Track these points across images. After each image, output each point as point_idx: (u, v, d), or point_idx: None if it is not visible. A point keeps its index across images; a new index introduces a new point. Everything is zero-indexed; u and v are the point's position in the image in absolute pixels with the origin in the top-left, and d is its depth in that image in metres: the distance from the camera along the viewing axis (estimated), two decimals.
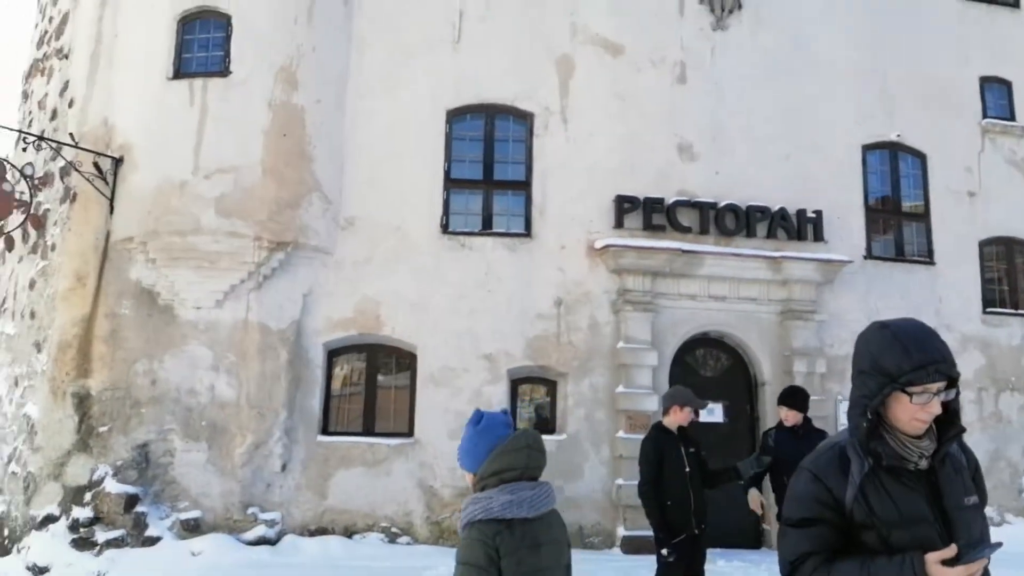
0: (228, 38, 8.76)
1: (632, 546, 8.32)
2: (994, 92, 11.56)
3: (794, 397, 5.76)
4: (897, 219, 10.73)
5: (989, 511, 9.89)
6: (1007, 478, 10.30)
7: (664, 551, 5.08)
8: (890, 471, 1.83)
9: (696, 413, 5.51)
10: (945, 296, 10.48)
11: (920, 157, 10.88)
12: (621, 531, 8.57)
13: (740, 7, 10.35)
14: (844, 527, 1.83)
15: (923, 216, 10.75)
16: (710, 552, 8.33)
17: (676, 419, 5.34)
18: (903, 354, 1.80)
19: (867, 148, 10.60)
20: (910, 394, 1.79)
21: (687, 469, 5.19)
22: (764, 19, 10.46)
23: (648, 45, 10.06)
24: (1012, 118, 11.43)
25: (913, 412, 1.81)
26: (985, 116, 11.31)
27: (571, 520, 8.73)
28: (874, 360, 1.84)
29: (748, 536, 8.79)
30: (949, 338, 10.24)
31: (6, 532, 8.80)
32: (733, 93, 10.18)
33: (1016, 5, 11.97)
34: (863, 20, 10.93)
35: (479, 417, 2.55)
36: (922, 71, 11.06)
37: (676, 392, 5.55)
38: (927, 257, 10.61)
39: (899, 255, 10.56)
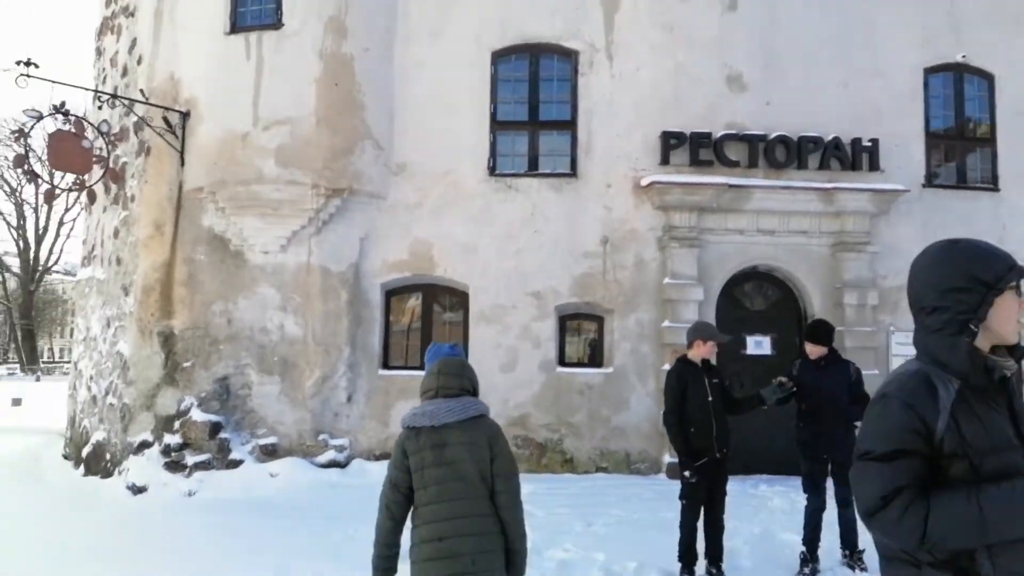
0: None
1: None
2: None
3: (816, 331, 5.87)
4: (961, 145, 10.33)
5: None
6: None
7: (687, 473, 5.41)
8: (976, 394, 1.79)
9: (719, 345, 5.71)
10: (1009, 224, 10.12)
11: (987, 78, 10.36)
12: (666, 458, 8.92)
13: None
14: (933, 459, 1.74)
15: (989, 141, 10.31)
16: (753, 478, 8.69)
17: (699, 352, 5.57)
18: (994, 259, 1.81)
19: (929, 71, 10.16)
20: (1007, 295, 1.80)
21: (709, 398, 5.45)
22: None
23: None
24: None
25: (1016, 313, 1.81)
26: None
27: (619, 448, 9.19)
28: (968, 273, 1.79)
29: (789, 465, 9.00)
30: None
31: (108, 457, 9.86)
32: (787, 17, 9.87)
33: None
34: None
35: (431, 348, 3.40)
36: None
37: (698, 326, 5.76)
38: (991, 184, 10.23)
39: (961, 182, 10.22)
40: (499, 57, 9.72)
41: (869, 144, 9.66)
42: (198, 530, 7.09)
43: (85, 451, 10.27)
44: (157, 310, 9.46)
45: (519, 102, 9.77)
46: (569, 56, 9.76)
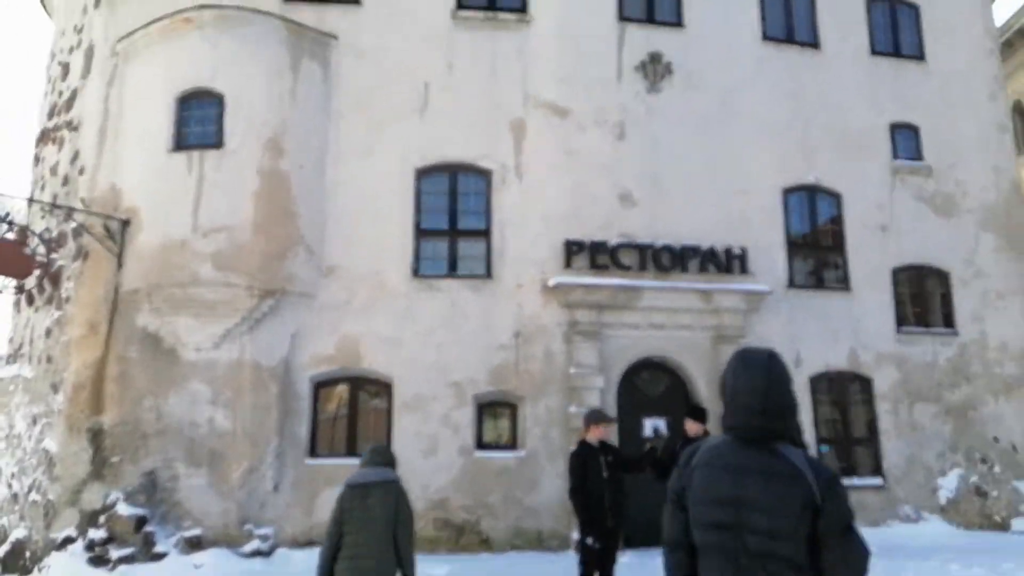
0: (222, 114, 10.07)
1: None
2: (904, 136, 13.04)
3: (697, 412, 7.03)
4: (817, 252, 12.13)
5: (908, 509, 11.16)
6: (922, 479, 11.56)
7: (589, 540, 6.30)
8: None
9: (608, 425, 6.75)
10: (862, 319, 11.84)
11: (836, 197, 12.32)
12: (574, 535, 9.70)
13: (671, 72, 11.82)
14: None
15: (840, 249, 12.15)
16: (652, 551, 9.55)
17: (595, 434, 6.57)
18: None
19: (788, 191, 12.03)
20: None
21: (604, 475, 6.40)
22: (693, 82, 11.92)
23: (591, 107, 11.49)
24: (920, 159, 12.91)
25: None
26: (896, 158, 12.78)
27: (531, 526, 9.95)
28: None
29: None
30: (867, 356, 11.64)
31: (27, 554, 9.85)
32: (667, 147, 11.60)
33: (922, 57, 13.49)
34: (783, 79, 12.44)
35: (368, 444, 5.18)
36: (838, 121, 12.56)
37: (591, 413, 6.80)
38: (844, 285, 11.99)
39: (819, 284, 11.94)
40: (422, 174, 10.96)
41: (739, 252, 11.28)
42: None
43: (2, 550, 10.19)
44: (87, 407, 9.79)
45: (440, 213, 10.96)
46: (484, 174, 11.10)
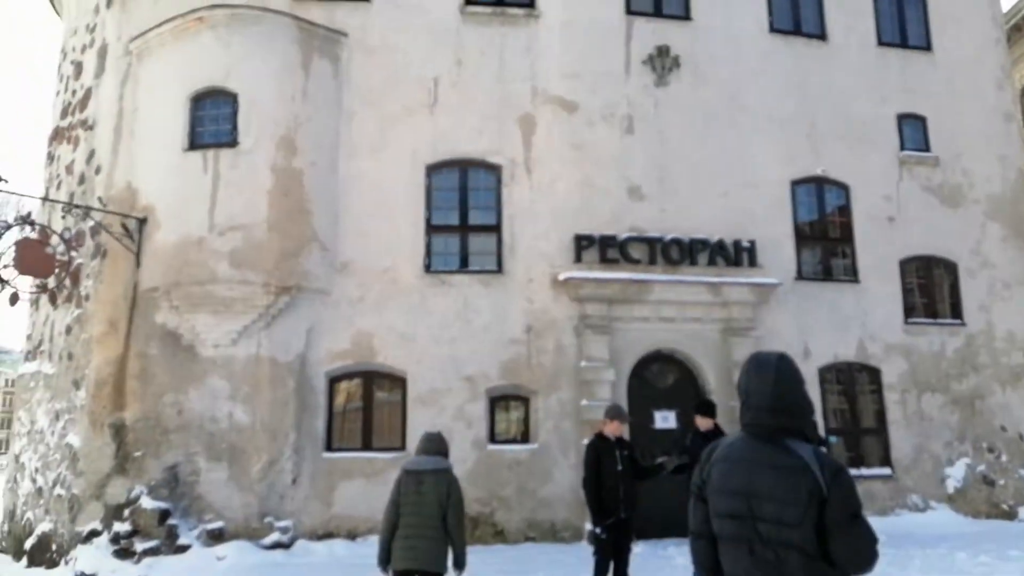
0: (235, 113, 10.20)
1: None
2: (911, 127, 13.09)
3: (706, 407, 7.16)
4: (824, 244, 12.22)
5: (916, 498, 11.31)
6: (930, 468, 11.71)
7: (597, 529, 6.46)
8: None
9: (625, 422, 6.89)
10: (870, 310, 11.95)
11: (844, 188, 12.39)
12: (587, 526, 9.88)
13: (679, 66, 11.88)
14: None
15: (848, 240, 12.24)
16: (664, 541, 9.75)
17: (611, 429, 6.72)
18: None
19: (795, 183, 12.11)
20: None
21: (619, 468, 6.56)
22: (700, 75, 11.99)
23: (599, 102, 11.57)
24: (927, 150, 12.96)
25: None
26: (903, 149, 12.83)
27: (544, 518, 10.13)
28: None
29: None
30: (875, 347, 11.76)
31: (54, 547, 10.10)
32: (675, 140, 11.68)
33: (928, 48, 13.52)
34: (791, 71, 12.49)
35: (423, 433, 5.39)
36: (845, 112, 12.61)
37: (610, 408, 6.93)
38: (852, 276, 12.09)
39: (827, 276, 12.04)
40: (433, 170, 11.07)
41: (748, 245, 11.38)
42: None
43: (29, 543, 10.44)
44: (109, 403, 10.00)
45: (451, 208, 11.08)
46: (494, 169, 11.21)
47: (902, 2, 13.46)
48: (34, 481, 11.07)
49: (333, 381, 10.53)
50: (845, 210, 12.39)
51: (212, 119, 10.34)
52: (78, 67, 12.55)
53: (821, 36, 12.86)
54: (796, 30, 12.76)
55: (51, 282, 9.60)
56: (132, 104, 11.03)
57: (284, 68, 10.51)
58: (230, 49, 10.39)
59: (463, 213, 11.07)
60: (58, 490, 10.29)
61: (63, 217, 10.88)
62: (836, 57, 12.83)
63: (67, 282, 10.29)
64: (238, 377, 10.01)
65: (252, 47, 10.44)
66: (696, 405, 7.41)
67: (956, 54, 13.46)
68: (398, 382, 10.57)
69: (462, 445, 10.27)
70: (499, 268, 10.90)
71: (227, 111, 10.28)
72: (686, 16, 12.17)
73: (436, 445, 5.39)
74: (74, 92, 12.55)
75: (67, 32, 13.86)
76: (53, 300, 10.40)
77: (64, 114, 12.80)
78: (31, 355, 12.54)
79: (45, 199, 12.30)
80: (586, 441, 10.07)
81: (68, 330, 10.99)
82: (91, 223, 10.61)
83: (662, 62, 11.80)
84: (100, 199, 10.64)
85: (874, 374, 11.84)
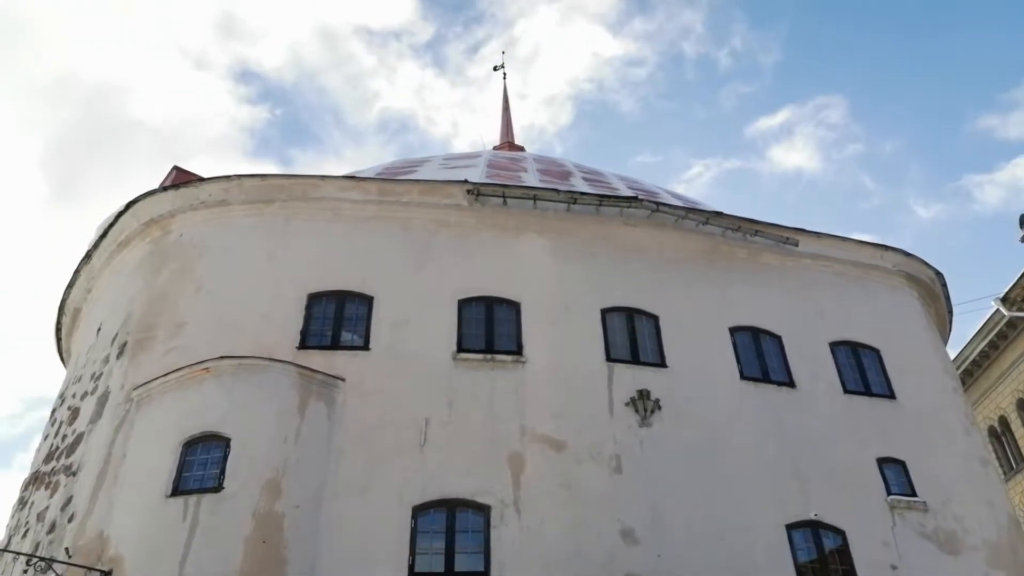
0: (225, 457, 10.18)
1: None
2: (892, 471, 13.08)
3: None
4: None
5: None
6: None
7: None
8: None
9: None
10: None
11: (840, 534, 12.02)
12: None
13: (660, 408, 12.40)
14: None
15: None
16: None
17: None
18: None
19: (790, 527, 11.78)
20: None
21: None
22: (682, 416, 12.44)
23: (586, 441, 11.77)
24: (914, 494, 12.85)
25: None
26: (889, 494, 12.73)
27: None
28: None
29: None
30: None
31: None
32: (664, 481, 11.64)
33: (892, 396, 14.24)
34: (765, 415, 13.00)
35: None
36: (825, 455, 12.78)
37: None
38: None
39: None
40: (419, 511, 10.70)
41: None
42: None
43: None
44: None
45: (436, 553, 10.47)
46: (482, 509, 10.87)
47: (858, 354, 14.57)
48: None
49: None
50: (845, 557, 11.83)
51: (201, 464, 10.26)
52: (74, 412, 12.77)
53: (790, 383, 13.66)
54: (765, 377, 13.57)
55: None
56: (122, 450, 10.91)
57: (281, 412, 10.81)
58: (231, 396, 10.77)
59: (449, 557, 10.46)
60: None
61: (24, 572, 10.11)
62: (806, 402, 13.45)
63: None
64: None
65: (253, 394, 10.85)
66: None
67: (919, 402, 14.09)
68: None
69: None
70: None
71: (217, 455, 10.25)
72: (662, 363, 13.05)
73: None
74: (64, 437, 12.58)
75: (70, 379, 14.36)
76: None
77: (48, 458, 12.67)
78: None
79: (4, 550, 11.52)
80: None
81: None
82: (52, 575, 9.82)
83: (644, 404, 12.34)
84: (67, 549, 10.02)
85: None
